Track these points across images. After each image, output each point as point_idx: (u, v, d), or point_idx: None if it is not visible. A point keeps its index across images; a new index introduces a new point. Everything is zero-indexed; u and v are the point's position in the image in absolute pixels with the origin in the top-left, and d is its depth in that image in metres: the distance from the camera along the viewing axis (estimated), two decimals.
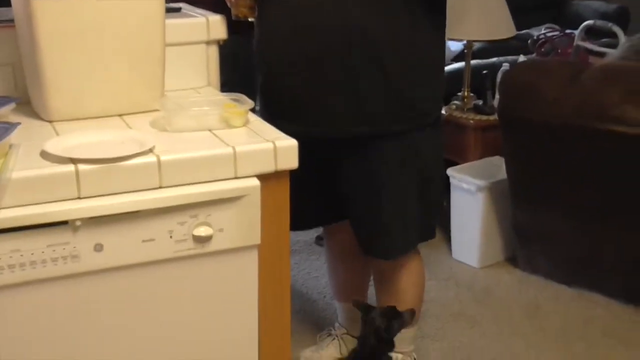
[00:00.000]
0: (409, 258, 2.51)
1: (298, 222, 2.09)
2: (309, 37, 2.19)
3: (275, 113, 2.09)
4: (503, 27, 3.76)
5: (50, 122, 1.91)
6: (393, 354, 2.59)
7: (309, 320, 3.11)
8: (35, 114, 1.95)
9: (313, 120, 2.25)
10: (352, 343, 2.79)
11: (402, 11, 2.18)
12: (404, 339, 2.61)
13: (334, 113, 2.24)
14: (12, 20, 1.98)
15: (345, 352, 2.79)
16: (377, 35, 2.17)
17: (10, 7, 1.97)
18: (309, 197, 2.36)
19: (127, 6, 1.89)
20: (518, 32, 4.00)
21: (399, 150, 2.30)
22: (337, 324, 2.87)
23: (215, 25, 2.23)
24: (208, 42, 2.24)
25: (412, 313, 2.36)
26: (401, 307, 2.53)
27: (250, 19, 2.29)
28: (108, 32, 1.89)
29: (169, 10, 2.34)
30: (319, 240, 3.63)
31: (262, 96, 2.37)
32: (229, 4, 2.26)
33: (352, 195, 2.39)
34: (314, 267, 3.55)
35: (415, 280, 2.57)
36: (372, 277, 2.79)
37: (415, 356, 2.69)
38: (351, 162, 2.33)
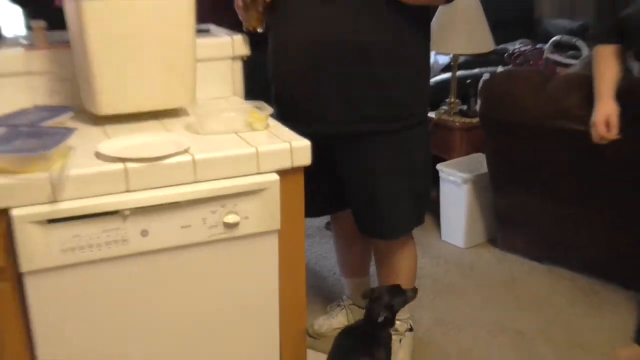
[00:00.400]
0: (403, 240, 2.52)
1: (309, 211, 2.09)
2: (313, 52, 2.18)
3: (287, 116, 2.09)
4: (484, 42, 3.76)
5: (99, 118, 1.94)
6: None
7: (321, 294, 3.12)
8: (89, 120, 1.98)
9: (319, 121, 2.24)
10: (358, 312, 2.80)
11: (392, 28, 2.18)
12: (402, 308, 2.63)
13: (336, 115, 2.24)
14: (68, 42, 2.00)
15: (352, 320, 2.80)
16: (371, 50, 2.16)
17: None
18: (318, 189, 2.34)
19: (162, 15, 1.91)
20: (496, 47, 4.00)
21: (391, 147, 2.30)
22: (344, 297, 2.88)
23: (239, 44, 2.25)
24: (233, 58, 2.26)
25: (415, 291, 2.35)
26: (397, 282, 2.54)
27: (259, 30, 2.27)
28: (146, 38, 1.91)
29: (200, 31, 2.36)
30: (328, 225, 3.63)
31: (275, 102, 2.38)
32: (241, 19, 2.26)
33: (353, 185, 2.39)
34: (325, 249, 3.56)
35: (409, 259, 2.58)
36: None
37: (412, 322, 2.71)
38: (351, 158, 2.33)
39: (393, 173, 2.33)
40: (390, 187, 2.35)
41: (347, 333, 2.29)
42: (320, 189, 2.40)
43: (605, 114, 2.45)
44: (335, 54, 2.16)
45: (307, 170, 1.87)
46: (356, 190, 2.40)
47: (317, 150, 1.93)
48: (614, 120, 2.46)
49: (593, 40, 2.57)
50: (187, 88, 2.02)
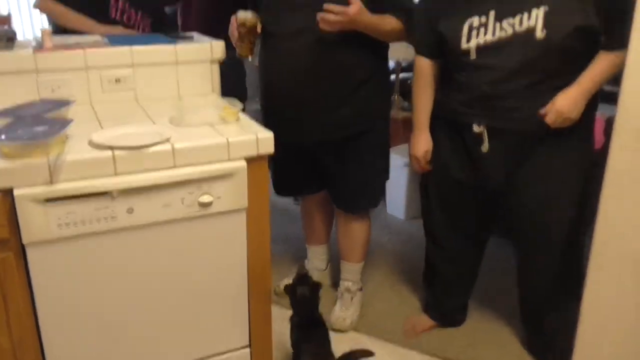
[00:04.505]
0: (363, 216, 2.50)
1: (289, 192, 2.43)
2: (296, 75, 2.13)
3: (277, 127, 1.98)
4: None
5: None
6: (345, 282, 2.55)
7: (287, 258, 3.05)
8: (84, 113, 1.87)
9: (311, 132, 2.22)
10: (317, 275, 2.76)
11: (362, 54, 2.14)
12: (355, 271, 2.58)
13: (326, 127, 2.20)
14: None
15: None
16: (349, 72, 2.13)
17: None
18: (304, 177, 2.46)
19: None
20: None
21: (371, 139, 2.30)
22: (306, 261, 2.82)
23: (216, 49, 2.15)
24: (212, 61, 2.16)
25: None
26: (356, 247, 2.52)
27: (249, 59, 2.21)
28: None
29: (184, 37, 2.26)
30: (296, 200, 3.57)
31: (265, 114, 2.32)
32: (234, 46, 2.17)
33: (343, 173, 2.34)
34: (292, 219, 3.48)
35: (366, 228, 2.54)
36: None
37: (361, 283, 2.64)
38: (343, 154, 2.29)
39: (374, 160, 2.35)
40: (372, 170, 2.36)
41: None
42: (300, 179, 2.48)
43: (424, 150, 2.21)
44: (317, 79, 2.12)
45: (292, 166, 2.00)
46: (346, 177, 2.35)
47: (303, 150, 2.12)
48: (429, 155, 2.22)
49: (414, 46, 2.19)
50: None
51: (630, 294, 1.59)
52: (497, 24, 1.85)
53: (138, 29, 2.60)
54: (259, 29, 2.15)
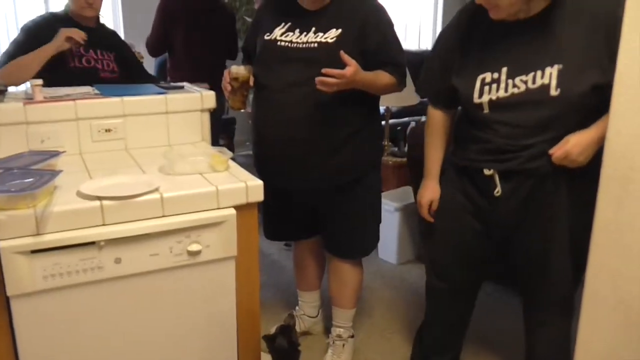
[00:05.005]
0: (356, 262, 2.47)
1: (286, 237, 2.48)
2: (289, 127, 2.12)
3: (267, 175, 1.98)
4: (411, 96, 3.73)
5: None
6: (337, 329, 2.51)
7: (278, 304, 3.00)
8: (74, 163, 1.85)
9: (302, 180, 2.20)
10: (308, 321, 2.71)
11: (353, 105, 2.14)
12: (347, 317, 2.53)
13: (318, 175, 2.19)
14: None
15: (303, 327, 2.69)
16: (342, 124, 2.14)
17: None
18: (296, 223, 2.44)
19: None
20: (421, 100, 3.97)
21: (365, 187, 2.28)
22: (297, 307, 2.77)
23: (207, 99, 2.17)
24: (202, 110, 2.18)
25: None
26: (348, 293, 2.48)
27: (242, 110, 2.22)
28: None
29: (175, 87, 2.28)
30: (287, 245, 3.53)
31: (258, 164, 2.30)
32: (227, 98, 2.18)
33: (335, 217, 2.33)
34: (284, 265, 3.44)
35: (358, 274, 2.51)
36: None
37: (353, 330, 2.59)
38: (338, 201, 2.27)
39: (367, 207, 2.33)
40: (365, 218, 2.34)
41: None
42: (292, 225, 2.46)
43: (429, 199, 2.16)
44: (311, 130, 2.11)
45: (285, 213, 2.08)
46: (338, 223, 2.34)
47: (294, 200, 2.16)
48: (435, 205, 2.17)
49: (426, 98, 2.19)
50: None
51: (622, 343, 1.56)
52: (510, 81, 1.81)
53: (103, 65, 2.56)
54: (251, 82, 2.15)
